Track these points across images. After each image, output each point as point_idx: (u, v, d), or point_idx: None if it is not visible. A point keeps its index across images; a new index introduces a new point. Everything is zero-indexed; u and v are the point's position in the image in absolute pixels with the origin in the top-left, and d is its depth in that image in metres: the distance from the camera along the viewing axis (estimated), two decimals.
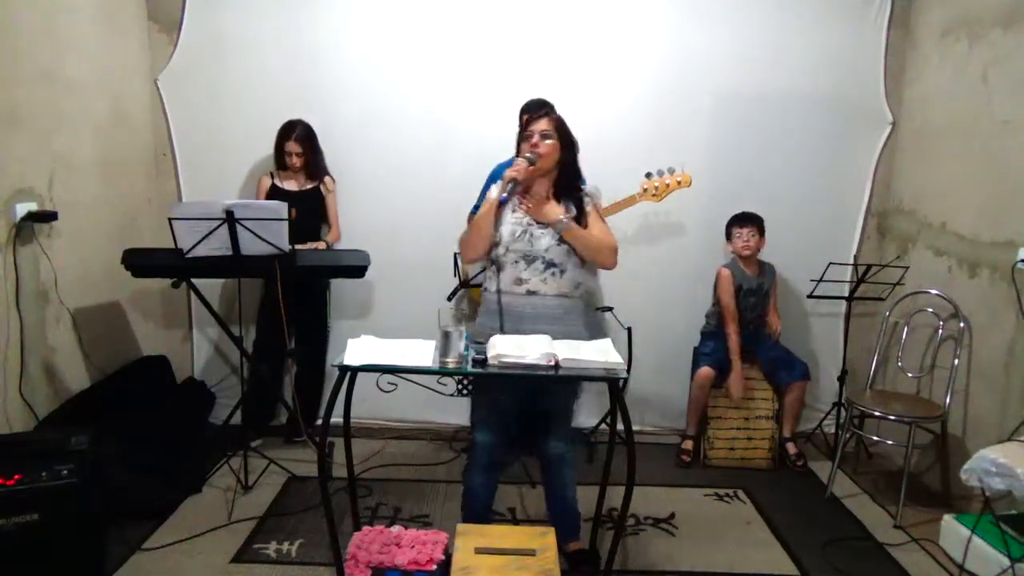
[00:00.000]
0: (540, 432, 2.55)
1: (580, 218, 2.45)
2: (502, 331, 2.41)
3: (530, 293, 2.44)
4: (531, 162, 2.40)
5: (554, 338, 2.32)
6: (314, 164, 3.56)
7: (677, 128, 3.73)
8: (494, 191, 2.48)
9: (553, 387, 2.49)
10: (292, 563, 2.65)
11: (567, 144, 2.46)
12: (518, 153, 2.52)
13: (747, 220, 3.61)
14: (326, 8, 3.66)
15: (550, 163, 2.44)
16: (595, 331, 2.78)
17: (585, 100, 3.69)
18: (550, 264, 2.43)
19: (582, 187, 2.53)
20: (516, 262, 2.44)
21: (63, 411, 2.94)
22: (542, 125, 2.43)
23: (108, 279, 3.36)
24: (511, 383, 2.46)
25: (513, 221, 2.47)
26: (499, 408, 2.54)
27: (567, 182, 2.48)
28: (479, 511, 2.60)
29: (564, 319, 2.44)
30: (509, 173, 2.39)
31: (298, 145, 3.48)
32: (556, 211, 2.42)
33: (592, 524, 2.63)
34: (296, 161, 3.50)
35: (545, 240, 2.42)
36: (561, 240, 2.42)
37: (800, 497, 3.32)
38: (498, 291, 2.45)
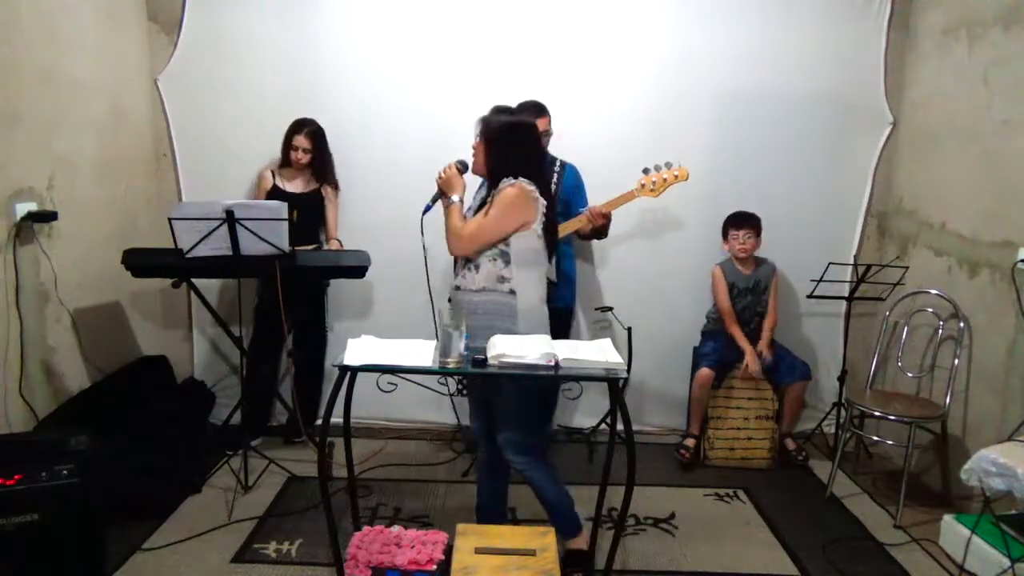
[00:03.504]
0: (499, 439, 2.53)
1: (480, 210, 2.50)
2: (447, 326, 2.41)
3: (456, 288, 2.53)
4: (462, 167, 2.56)
5: (480, 333, 2.35)
6: (320, 166, 3.55)
7: (677, 128, 3.73)
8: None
9: (504, 390, 2.46)
10: (292, 563, 2.65)
11: (490, 145, 2.48)
12: None
13: (744, 222, 3.60)
14: (326, 8, 3.66)
15: (479, 166, 2.53)
16: (598, 334, 2.77)
17: (585, 100, 3.70)
18: (468, 260, 2.49)
19: (509, 183, 2.41)
20: (457, 260, 2.58)
21: (63, 411, 2.94)
22: (477, 129, 2.53)
23: (108, 279, 3.36)
24: (475, 386, 2.53)
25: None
26: (481, 413, 2.59)
27: (492, 180, 2.50)
28: (488, 512, 2.63)
29: (488, 314, 2.43)
30: (437, 179, 2.56)
31: (308, 140, 3.47)
32: (454, 191, 2.51)
33: (592, 524, 2.62)
34: (302, 157, 3.48)
35: None
36: None
37: (800, 497, 3.32)
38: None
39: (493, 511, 2.70)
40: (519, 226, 2.42)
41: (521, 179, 2.41)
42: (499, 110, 3.11)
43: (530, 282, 2.48)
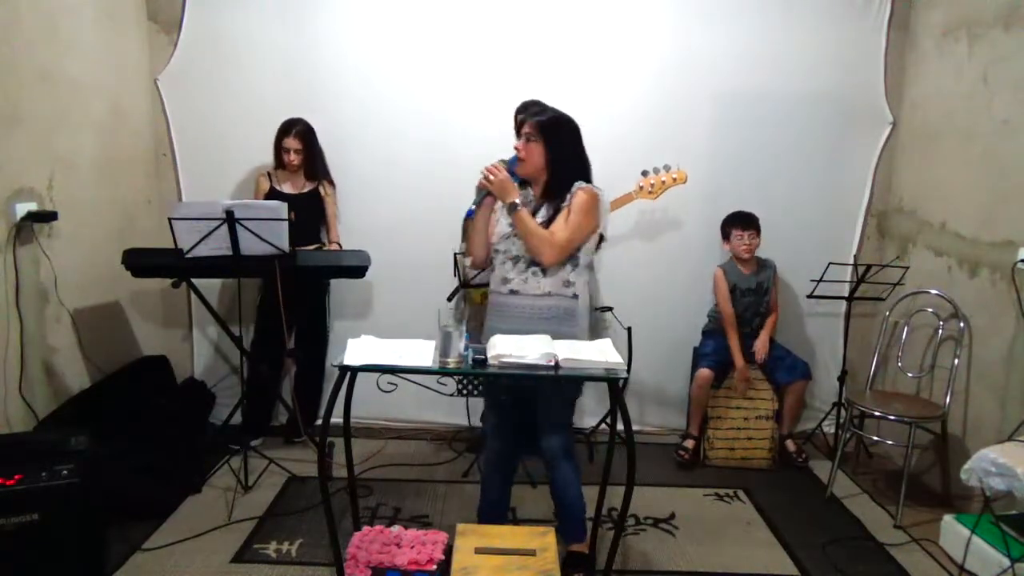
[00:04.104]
0: (539, 431, 2.55)
1: (556, 216, 2.41)
2: (489, 331, 2.42)
3: (512, 293, 2.44)
4: (509, 166, 2.42)
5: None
6: (312, 165, 3.55)
7: (677, 128, 3.73)
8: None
9: (549, 384, 2.47)
10: (292, 563, 2.65)
11: (552, 145, 2.41)
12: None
13: (748, 222, 3.60)
14: (326, 8, 3.66)
15: (533, 166, 2.42)
16: (596, 333, 2.78)
17: (585, 100, 3.68)
18: (531, 264, 2.41)
19: (581, 187, 2.42)
20: (504, 263, 2.47)
21: (63, 411, 2.94)
22: (526, 128, 2.43)
23: (108, 279, 3.36)
24: (509, 382, 2.46)
25: (505, 223, 2.48)
26: (506, 411, 2.56)
27: (556, 183, 2.44)
28: (494, 510, 2.63)
29: (553, 319, 2.42)
30: (479, 182, 2.42)
31: (297, 141, 3.47)
32: (511, 196, 2.39)
33: (592, 524, 2.63)
34: (294, 158, 3.48)
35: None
36: None
37: (800, 497, 3.32)
38: (489, 291, 2.49)
39: (498, 510, 2.69)
40: (593, 231, 2.44)
41: (588, 184, 2.43)
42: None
43: (587, 285, 2.51)
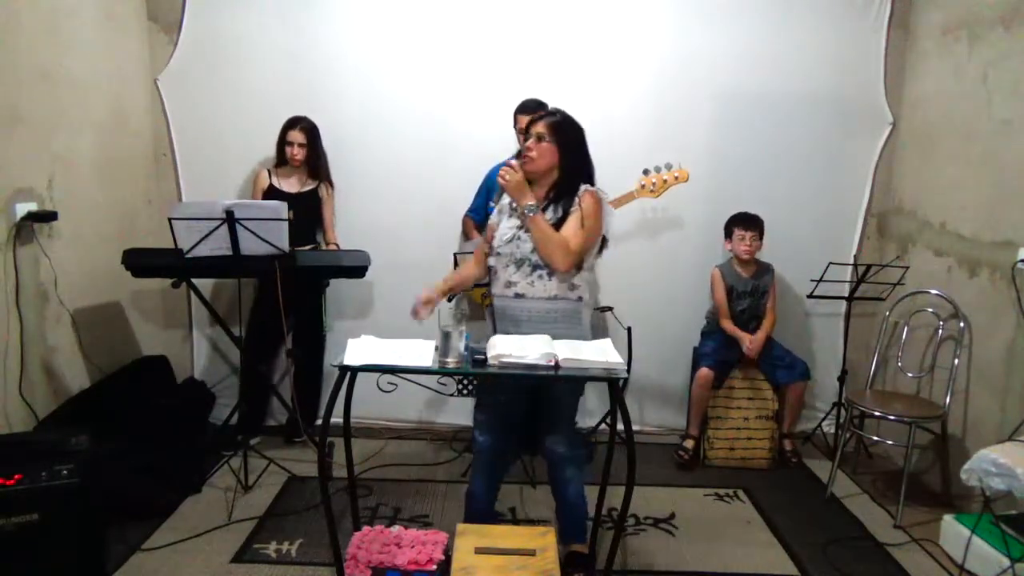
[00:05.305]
0: (541, 431, 2.55)
1: (564, 219, 2.39)
2: (495, 334, 2.42)
3: (518, 296, 2.42)
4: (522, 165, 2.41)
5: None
6: (315, 163, 3.55)
7: (677, 128, 3.73)
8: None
9: (553, 385, 2.47)
10: (292, 563, 2.65)
11: (565, 146, 2.41)
12: (518, 155, 2.52)
13: (751, 223, 3.59)
14: (326, 8, 3.66)
15: (544, 166, 2.41)
16: (598, 334, 2.77)
17: (585, 100, 3.68)
18: (537, 266, 2.40)
19: (588, 190, 2.43)
20: (507, 266, 2.44)
21: (63, 411, 2.94)
22: (538, 128, 2.41)
23: (108, 279, 3.36)
24: (512, 383, 2.46)
25: (507, 226, 2.47)
26: (500, 409, 2.54)
27: (566, 185, 2.43)
28: (480, 513, 2.59)
29: (559, 322, 2.41)
30: (500, 180, 2.40)
31: (302, 135, 3.46)
32: (527, 198, 2.37)
33: (592, 524, 2.63)
34: (298, 152, 3.48)
35: (532, 243, 2.38)
36: None
37: (800, 497, 3.32)
38: (492, 295, 2.47)
39: (488, 513, 2.66)
40: (600, 235, 2.45)
41: (592, 185, 2.44)
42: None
43: (589, 287, 2.51)
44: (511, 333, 2.39)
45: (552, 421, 2.52)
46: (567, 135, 2.42)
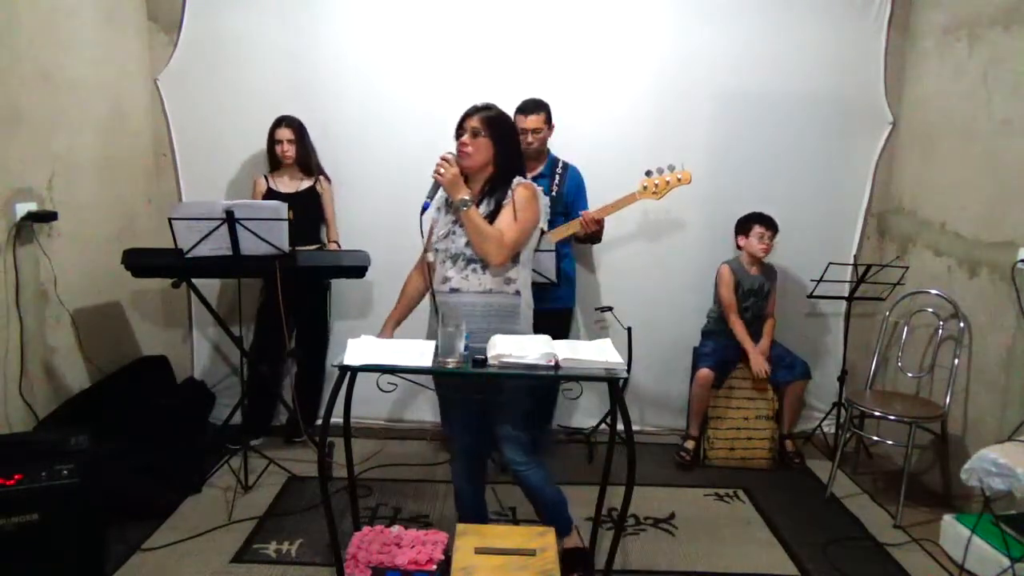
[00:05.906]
0: (497, 442, 2.49)
1: (498, 211, 2.37)
2: (433, 331, 2.40)
3: (454, 291, 2.39)
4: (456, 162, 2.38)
5: (480, 336, 2.29)
6: (306, 158, 3.55)
7: (677, 128, 3.73)
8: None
9: (508, 389, 2.42)
10: (292, 563, 2.65)
11: (499, 140, 2.39)
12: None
13: (771, 222, 3.59)
14: (326, 8, 3.66)
15: (480, 161, 2.38)
16: (596, 333, 2.75)
17: (585, 100, 3.70)
18: (470, 260, 2.37)
19: (521, 182, 2.41)
20: (444, 261, 2.42)
21: (63, 411, 2.94)
22: (473, 123, 2.37)
23: (108, 279, 3.36)
24: (458, 384, 2.45)
25: (444, 221, 2.45)
26: (456, 410, 2.54)
27: (500, 178, 2.41)
28: (469, 512, 2.60)
29: (495, 317, 2.37)
30: (435, 175, 2.35)
31: (289, 131, 3.47)
32: (461, 192, 2.33)
33: (592, 524, 2.62)
34: (288, 149, 3.47)
35: (466, 238, 2.36)
36: None
37: (800, 497, 3.32)
38: (432, 291, 2.47)
39: (479, 515, 2.66)
40: (535, 226, 2.42)
41: (524, 178, 2.42)
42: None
43: (528, 282, 2.47)
44: (452, 329, 2.31)
45: (498, 425, 2.46)
46: (501, 130, 2.40)
